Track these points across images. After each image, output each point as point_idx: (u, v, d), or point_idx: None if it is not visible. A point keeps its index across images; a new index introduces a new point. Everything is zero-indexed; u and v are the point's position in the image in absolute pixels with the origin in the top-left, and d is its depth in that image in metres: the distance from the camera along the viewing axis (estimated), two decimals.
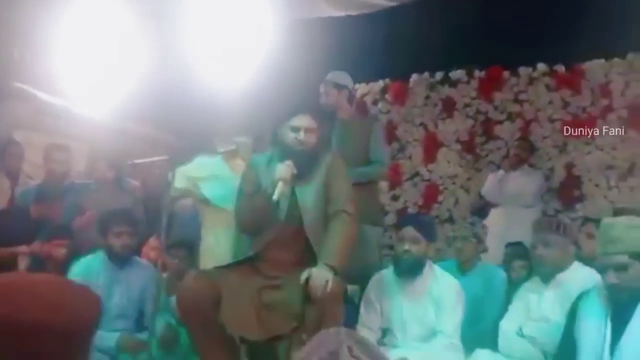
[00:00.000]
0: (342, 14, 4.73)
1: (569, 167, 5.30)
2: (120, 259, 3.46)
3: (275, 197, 2.72)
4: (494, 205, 5.07)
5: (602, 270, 2.45)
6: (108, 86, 4.89)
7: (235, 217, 3.05)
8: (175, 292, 3.40)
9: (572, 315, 2.60)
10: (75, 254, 3.61)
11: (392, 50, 5.46)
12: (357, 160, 3.79)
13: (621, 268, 2.34)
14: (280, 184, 2.75)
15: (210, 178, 3.81)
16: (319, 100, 4.02)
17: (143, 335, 3.30)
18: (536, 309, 2.94)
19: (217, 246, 3.65)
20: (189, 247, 3.84)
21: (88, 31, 4.57)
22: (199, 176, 3.84)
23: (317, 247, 2.79)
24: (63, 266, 3.57)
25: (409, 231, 3.16)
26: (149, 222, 4.10)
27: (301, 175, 2.85)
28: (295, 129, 2.88)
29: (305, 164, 2.87)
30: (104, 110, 5.14)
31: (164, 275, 3.46)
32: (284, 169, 2.79)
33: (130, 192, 4.57)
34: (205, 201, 3.58)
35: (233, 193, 3.65)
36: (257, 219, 2.88)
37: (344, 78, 4.09)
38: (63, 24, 4.47)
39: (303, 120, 2.89)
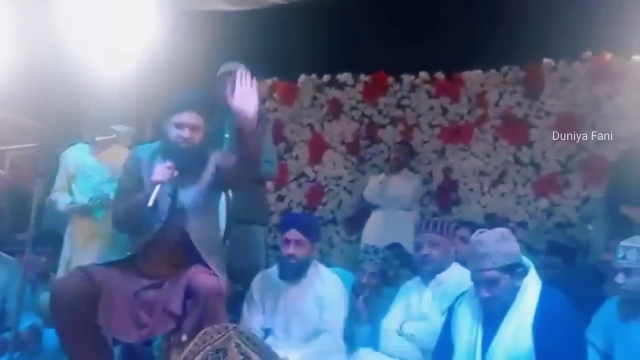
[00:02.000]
0: (232, 8, 4.63)
1: (447, 171, 5.53)
2: None
3: (150, 203, 2.55)
4: (375, 207, 5.16)
5: (474, 284, 2.54)
6: None
7: (112, 213, 2.89)
8: (49, 288, 3.17)
9: (450, 315, 2.68)
10: None
11: (280, 49, 5.43)
12: None
13: (492, 282, 2.44)
14: (156, 188, 2.59)
15: (78, 173, 3.57)
16: (215, 92, 3.83)
17: (5, 336, 3.05)
18: (416, 308, 3.00)
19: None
20: (57, 242, 3.59)
21: None
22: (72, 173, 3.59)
23: (201, 248, 2.68)
24: None
25: (293, 234, 3.12)
26: (15, 214, 3.79)
27: (185, 174, 2.70)
28: (179, 126, 2.71)
29: (190, 163, 2.72)
30: None
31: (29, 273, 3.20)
32: (162, 171, 2.63)
33: None
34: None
35: (97, 188, 3.46)
36: (133, 219, 2.73)
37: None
38: None
39: (188, 117, 2.72)
